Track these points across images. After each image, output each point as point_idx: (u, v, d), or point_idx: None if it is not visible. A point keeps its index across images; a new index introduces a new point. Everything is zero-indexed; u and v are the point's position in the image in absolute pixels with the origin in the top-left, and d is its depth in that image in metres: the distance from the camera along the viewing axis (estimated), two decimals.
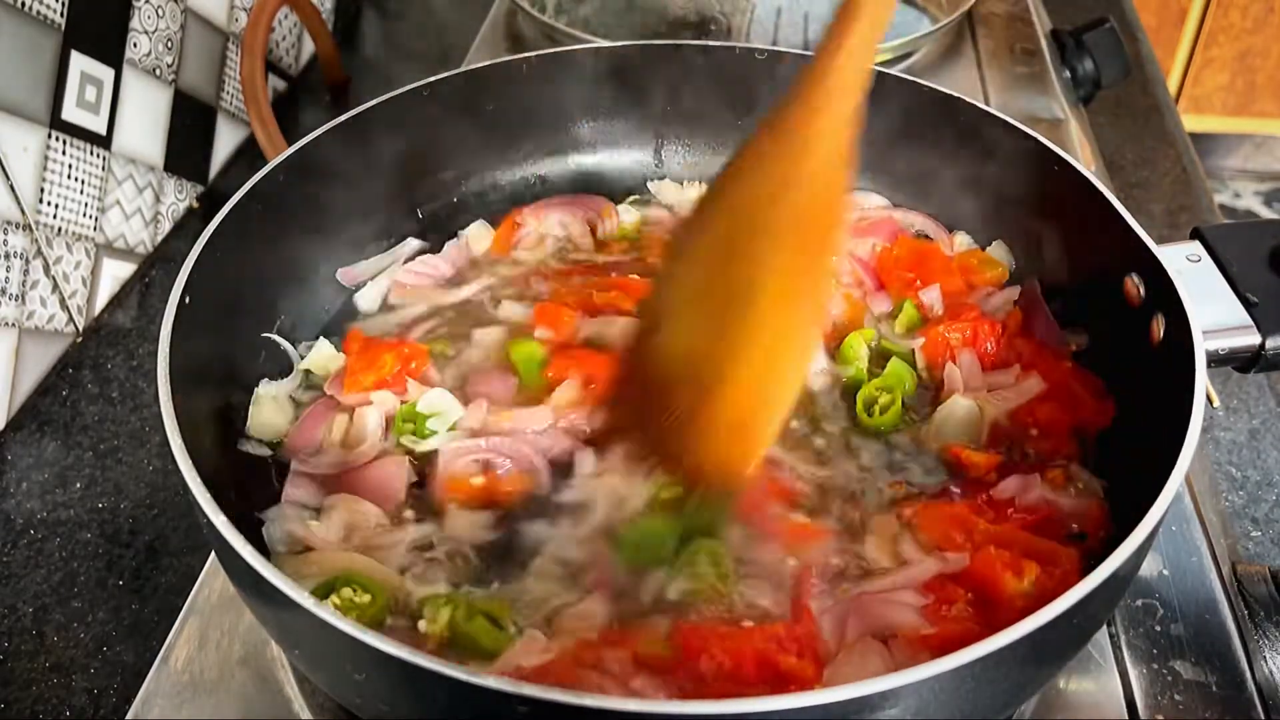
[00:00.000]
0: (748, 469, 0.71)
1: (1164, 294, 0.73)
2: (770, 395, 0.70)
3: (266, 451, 0.81)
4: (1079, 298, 0.87)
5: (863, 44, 0.65)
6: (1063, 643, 0.61)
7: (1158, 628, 0.77)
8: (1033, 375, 0.83)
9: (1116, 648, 0.75)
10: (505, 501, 0.77)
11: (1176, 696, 0.73)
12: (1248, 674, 0.74)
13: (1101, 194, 0.80)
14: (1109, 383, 0.81)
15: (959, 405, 0.81)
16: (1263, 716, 0.72)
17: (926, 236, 1.00)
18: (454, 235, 1.02)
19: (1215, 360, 0.75)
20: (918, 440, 0.81)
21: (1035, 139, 0.88)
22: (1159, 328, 0.74)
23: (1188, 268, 0.77)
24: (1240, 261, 0.78)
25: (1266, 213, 3.41)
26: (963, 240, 0.99)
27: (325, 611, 0.53)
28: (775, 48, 1.01)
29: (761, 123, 0.68)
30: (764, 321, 0.68)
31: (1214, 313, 0.75)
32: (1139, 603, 0.78)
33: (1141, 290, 0.77)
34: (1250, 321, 0.75)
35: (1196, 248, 0.79)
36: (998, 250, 0.96)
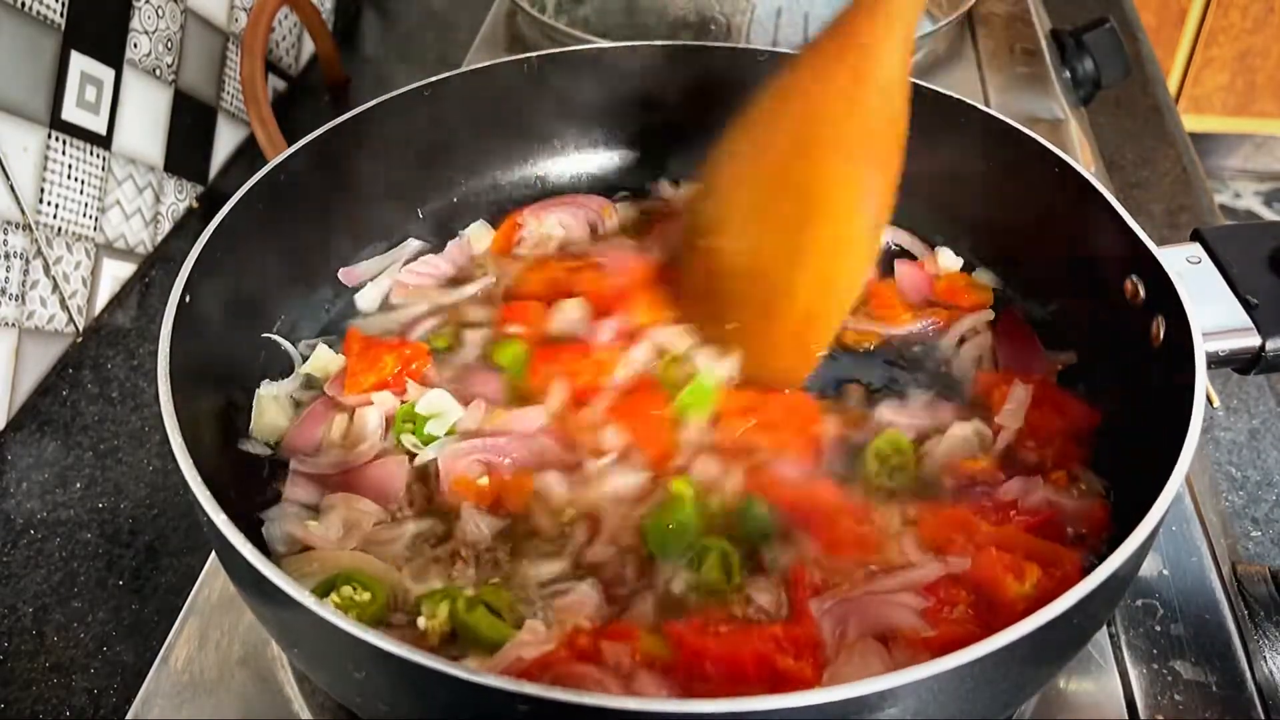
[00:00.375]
0: (805, 372, 0.77)
1: (1164, 295, 0.73)
2: (829, 303, 0.74)
3: (266, 451, 0.81)
4: (1078, 299, 0.87)
5: None
6: (1063, 643, 0.61)
7: (1158, 628, 0.77)
8: (1015, 393, 0.83)
9: (1116, 648, 0.75)
10: (512, 500, 0.77)
11: (1176, 696, 0.73)
12: (1248, 674, 0.74)
13: (1102, 195, 0.80)
14: (1108, 384, 0.81)
15: (955, 434, 0.80)
16: (1263, 716, 0.72)
17: (908, 254, 0.99)
18: (455, 235, 1.02)
19: (1215, 362, 0.74)
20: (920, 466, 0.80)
21: (1036, 141, 0.87)
22: (1159, 329, 0.74)
23: (1188, 269, 0.77)
24: (1240, 263, 0.77)
25: (1266, 213, 3.41)
26: (947, 260, 0.98)
27: (325, 610, 0.53)
28: (775, 49, 1.01)
29: (824, 35, 0.70)
30: (829, 231, 0.71)
31: (1214, 314, 0.75)
32: (1139, 603, 0.78)
33: (1141, 291, 0.77)
34: (1250, 323, 0.75)
35: (1197, 249, 0.79)
36: (984, 275, 0.96)
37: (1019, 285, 0.94)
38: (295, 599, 0.54)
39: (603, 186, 1.08)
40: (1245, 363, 0.76)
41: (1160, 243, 0.77)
